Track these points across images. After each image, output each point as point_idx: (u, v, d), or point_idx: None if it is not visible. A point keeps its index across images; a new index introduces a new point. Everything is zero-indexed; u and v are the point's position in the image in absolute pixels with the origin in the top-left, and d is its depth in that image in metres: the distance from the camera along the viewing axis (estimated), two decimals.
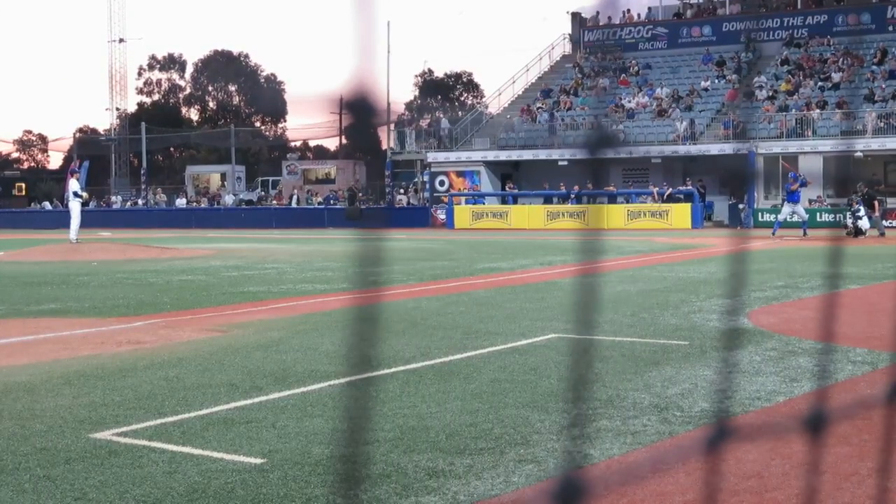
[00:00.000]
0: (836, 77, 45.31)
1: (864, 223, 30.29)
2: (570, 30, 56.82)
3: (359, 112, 0.95)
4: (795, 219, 31.85)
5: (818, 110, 42.68)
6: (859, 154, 39.76)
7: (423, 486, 5.20)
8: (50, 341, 10.46)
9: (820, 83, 45.15)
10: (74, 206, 28.41)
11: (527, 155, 46.82)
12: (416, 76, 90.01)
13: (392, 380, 8.04)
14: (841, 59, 46.43)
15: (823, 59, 47.12)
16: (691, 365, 8.62)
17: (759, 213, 39.98)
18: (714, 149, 42.74)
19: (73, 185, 28.77)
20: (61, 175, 73.35)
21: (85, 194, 29.12)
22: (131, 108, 78.43)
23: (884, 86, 43.17)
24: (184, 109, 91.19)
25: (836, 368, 8.35)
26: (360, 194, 54.04)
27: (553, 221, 42.36)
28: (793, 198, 31.88)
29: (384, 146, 56.11)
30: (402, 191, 52.96)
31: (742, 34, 51.25)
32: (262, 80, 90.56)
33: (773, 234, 31.08)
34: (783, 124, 42.48)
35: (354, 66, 0.94)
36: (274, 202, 55.38)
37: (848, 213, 31.19)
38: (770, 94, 45.19)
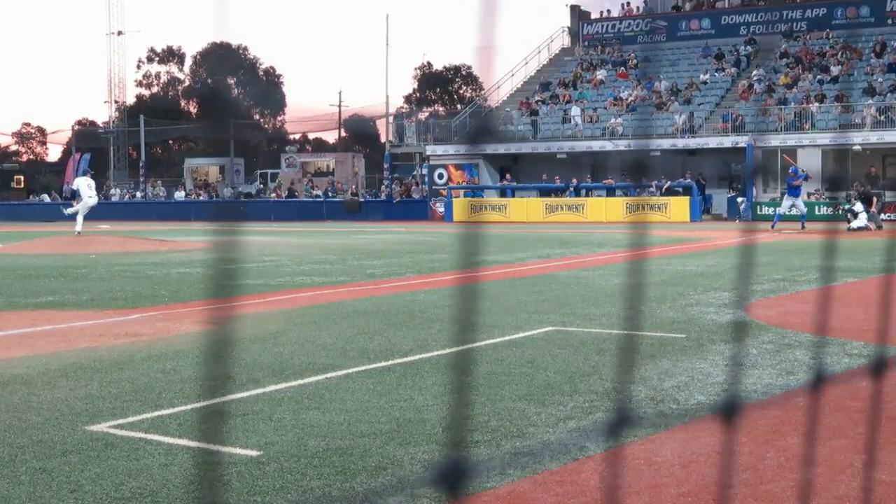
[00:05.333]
0: (834, 70, 45.27)
1: (857, 222, 30.33)
2: (568, 23, 56.75)
3: (213, 104, 0.93)
4: (794, 212, 31.86)
5: (817, 104, 42.66)
6: (857, 147, 39.74)
7: (419, 478, 5.20)
8: (47, 334, 10.46)
9: (819, 76, 45.11)
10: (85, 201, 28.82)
11: (525, 148, 46.79)
12: (416, 69, 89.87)
13: (389, 372, 8.05)
14: (840, 53, 46.39)
15: (822, 53, 47.07)
16: (688, 358, 8.63)
17: (758, 207, 39.97)
18: (713, 142, 42.73)
19: (81, 181, 29.32)
20: (60, 167, 73.36)
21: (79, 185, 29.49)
22: (130, 100, 78.38)
23: (882, 79, 43.13)
24: (182, 102, 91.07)
25: (832, 361, 8.36)
26: (355, 186, 53.91)
27: (552, 214, 42.37)
28: (793, 192, 31.89)
29: (383, 139, 56.05)
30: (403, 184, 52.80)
31: (741, 27, 51.19)
32: (261, 73, 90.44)
33: (773, 227, 31.08)
34: (781, 118, 42.46)
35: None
36: (273, 195, 55.32)
37: (846, 207, 31.23)
38: (768, 86, 45.16)
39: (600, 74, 51.17)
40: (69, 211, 29.44)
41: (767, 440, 5.78)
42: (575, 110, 47.28)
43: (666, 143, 43.42)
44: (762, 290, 13.99)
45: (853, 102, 42.31)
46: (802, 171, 33.15)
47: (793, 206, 31.83)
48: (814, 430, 5.91)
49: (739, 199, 40.57)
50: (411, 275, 17.19)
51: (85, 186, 29.08)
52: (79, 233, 28.09)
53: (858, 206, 30.92)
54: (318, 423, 6.33)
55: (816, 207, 38.42)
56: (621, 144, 44.17)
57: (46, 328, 10.85)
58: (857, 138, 39.66)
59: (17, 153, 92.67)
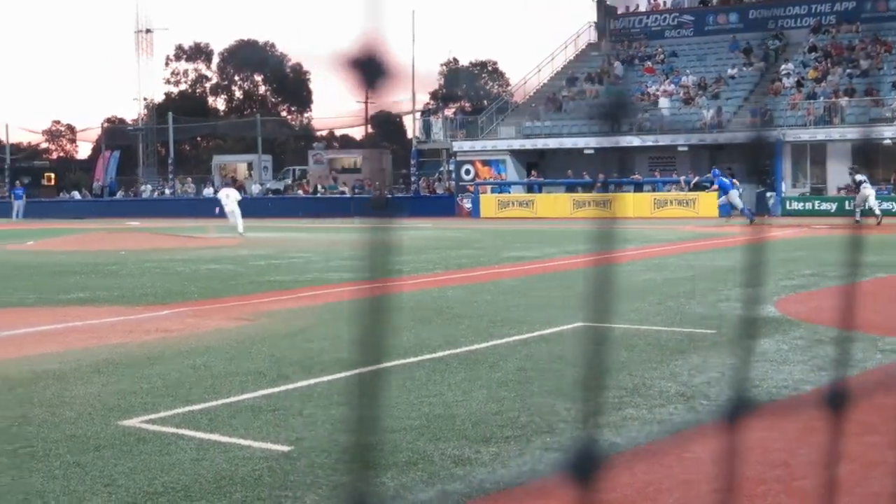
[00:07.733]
0: (864, 64, 44.86)
1: (865, 193, 30.30)
2: (595, 18, 56.54)
3: (367, 70, 0.93)
4: (728, 207, 32.15)
5: (846, 98, 42.30)
6: (888, 142, 39.36)
7: (449, 473, 5.21)
8: (79, 330, 10.54)
9: (848, 70, 44.72)
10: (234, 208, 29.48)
11: (552, 143, 46.65)
12: (442, 65, 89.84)
13: (418, 368, 8.06)
14: (869, 46, 45.96)
15: (851, 46, 46.67)
16: (718, 353, 8.59)
17: (787, 202, 39.70)
18: (741, 137, 42.44)
19: (234, 194, 30.50)
20: (90, 165, 73.84)
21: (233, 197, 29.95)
22: (158, 98, 78.80)
23: None
24: (210, 99, 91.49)
25: (864, 357, 8.30)
26: (379, 183, 53.87)
27: (579, 210, 42.26)
28: (726, 186, 32.33)
29: (409, 135, 56.03)
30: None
31: (769, 21, 50.80)
32: (288, 70, 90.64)
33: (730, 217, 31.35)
34: (810, 112, 42.15)
35: (361, 24, 0.91)
36: (299, 191, 55.45)
37: (854, 179, 31.35)
38: (797, 81, 44.81)
39: (619, 69, 50.83)
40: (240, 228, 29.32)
41: (799, 436, 5.74)
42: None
43: (694, 139, 43.23)
44: (792, 285, 13.90)
45: (883, 96, 41.92)
46: (726, 176, 33.10)
47: (728, 202, 32.19)
48: (847, 427, 5.87)
49: (769, 195, 40.29)
50: (439, 270, 17.20)
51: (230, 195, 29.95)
52: (241, 234, 28.36)
53: (860, 176, 30.92)
54: (348, 419, 6.34)
55: (847, 203, 38.11)
56: (649, 140, 43.98)
57: (77, 324, 10.93)
58: (887, 132, 39.27)
59: (47, 151, 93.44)
